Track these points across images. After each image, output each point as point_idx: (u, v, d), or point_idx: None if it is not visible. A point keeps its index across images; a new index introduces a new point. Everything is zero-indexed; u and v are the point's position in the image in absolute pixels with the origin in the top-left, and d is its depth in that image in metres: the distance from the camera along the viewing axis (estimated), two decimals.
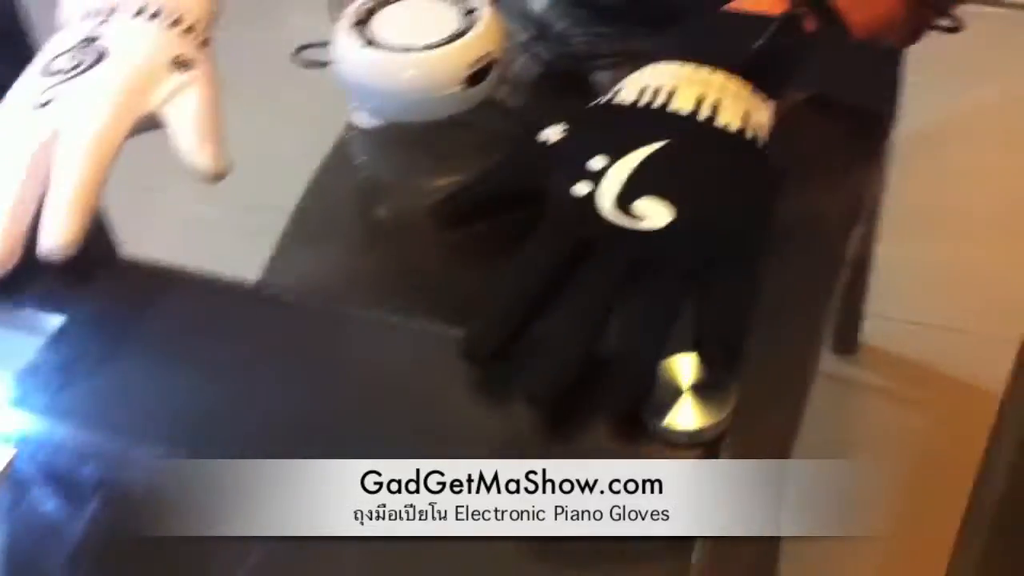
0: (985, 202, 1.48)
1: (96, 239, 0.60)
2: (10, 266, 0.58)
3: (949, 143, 1.53)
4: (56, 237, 0.57)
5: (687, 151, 0.56)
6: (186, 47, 0.65)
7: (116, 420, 0.55)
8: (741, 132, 0.57)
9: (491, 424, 0.53)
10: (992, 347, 1.26)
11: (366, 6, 0.68)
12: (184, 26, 0.66)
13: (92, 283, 0.61)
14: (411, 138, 0.70)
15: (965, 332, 1.31)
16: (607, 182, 0.55)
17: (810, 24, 0.60)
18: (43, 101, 0.61)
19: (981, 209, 1.47)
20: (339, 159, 0.88)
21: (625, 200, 0.54)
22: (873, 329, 1.30)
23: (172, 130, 0.63)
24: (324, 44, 0.72)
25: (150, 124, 0.63)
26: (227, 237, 0.95)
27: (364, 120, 0.68)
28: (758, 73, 0.58)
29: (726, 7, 0.63)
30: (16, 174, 0.59)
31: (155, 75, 0.63)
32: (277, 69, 0.81)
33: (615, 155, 0.56)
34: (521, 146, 0.60)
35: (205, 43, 0.68)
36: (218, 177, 0.62)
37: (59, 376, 0.56)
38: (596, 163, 0.56)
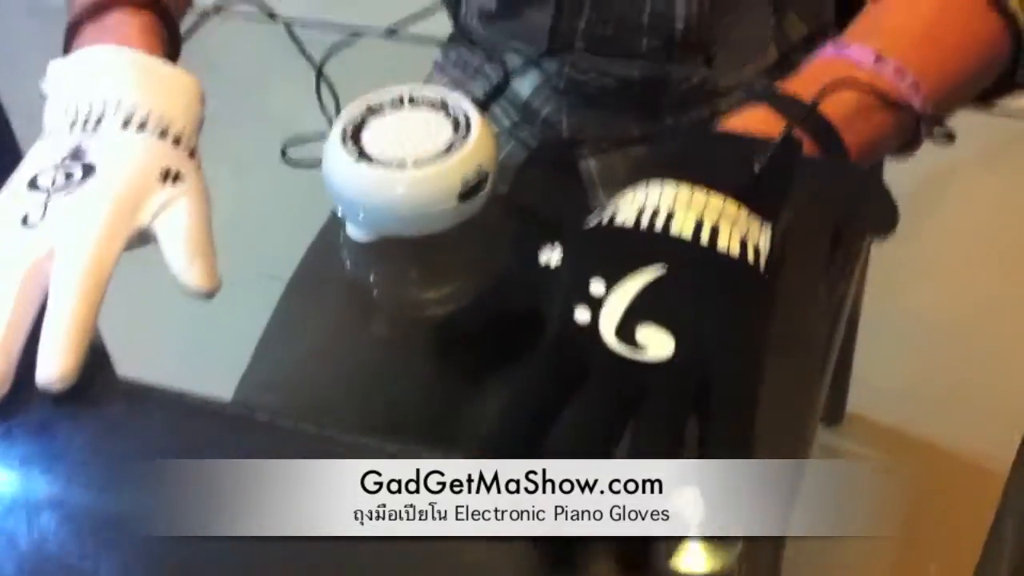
0: (972, 264, 1.48)
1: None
2: (3, 392, 0.57)
3: (929, 206, 1.54)
4: (57, 368, 0.56)
5: (688, 278, 0.55)
6: (174, 159, 0.64)
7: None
8: (742, 257, 0.56)
9: (492, 555, 0.52)
10: (979, 414, 1.27)
11: (356, 118, 0.68)
12: (172, 137, 0.65)
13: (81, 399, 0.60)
14: (397, 252, 0.69)
15: (952, 399, 1.31)
16: (608, 309, 0.55)
17: (808, 146, 0.60)
18: (32, 218, 0.60)
19: (969, 270, 1.47)
20: (321, 254, 0.87)
21: (626, 329, 0.54)
22: (858, 397, 1.30)
23: (163, 246, 0.62)
24: (315, 139, 0.73)
25: (141, 239, 0.62)
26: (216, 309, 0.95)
27: (354, 232, 0.67)
28: (757, 195, 0.58)
29: (721, 127, 0.62)
30: (7, 296, 0.58)
31: (145, 189, 0.62)
32: (264, 155, 0.81)
33: (615, 281, 0.55)
34: (519, 268, 0.59)
35: (192, 153, 0.67)
36: (209, 295, 0.61)
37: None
38: (596, 288, 0.55)
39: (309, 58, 0.85)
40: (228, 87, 0.80)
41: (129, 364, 0.64)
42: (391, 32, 0.93)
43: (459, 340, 0.59)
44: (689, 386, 0.53)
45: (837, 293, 0.73)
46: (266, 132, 0.88)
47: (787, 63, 0.92)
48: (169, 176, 0.63)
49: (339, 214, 0.68)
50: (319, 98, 0.79)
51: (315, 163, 0.70)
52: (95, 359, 0.60)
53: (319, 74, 0.83)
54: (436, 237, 0.67)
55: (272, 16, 0.85)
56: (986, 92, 0.73)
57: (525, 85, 0.95)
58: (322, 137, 0.78)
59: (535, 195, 0.94)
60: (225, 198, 0.69)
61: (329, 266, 0.79)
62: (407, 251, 0.69)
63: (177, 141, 0.65)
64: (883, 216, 0.59)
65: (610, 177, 0.94)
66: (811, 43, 0.93)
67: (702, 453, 0.52)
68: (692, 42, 0.88)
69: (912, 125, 0.65)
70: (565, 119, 0.94)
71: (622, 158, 0.94)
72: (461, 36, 1.00)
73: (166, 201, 0.62)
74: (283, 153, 0.79)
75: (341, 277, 0.76)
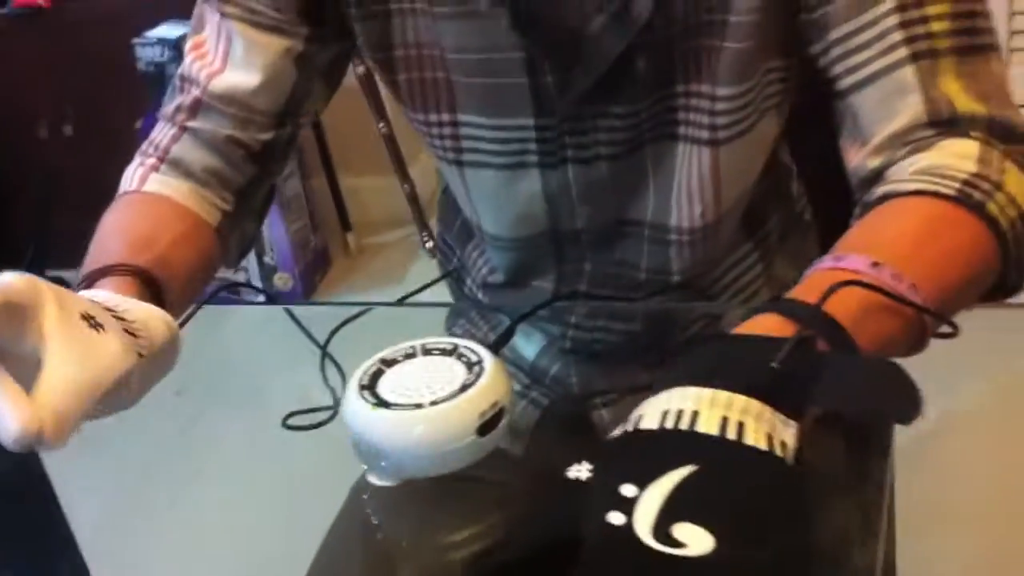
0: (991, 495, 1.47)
1: None
2: None
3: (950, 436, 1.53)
4: None
5: (720, 474, 0.55)
6: (106, 319, 0.61)
7: None
8: (770, 452, 0.56)
9: None
10: None
11: (372, 369, 0.69)
12: (127, 324, 0.64)
13: None
14: (423, 496, 0.69)
15: None
16: (641, 509, 0.54)
17: (821, 344, 0.61)
18: None
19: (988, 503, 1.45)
20: (348, 521, 0.86)
21: (662, 527, 0.53)
22: None
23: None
24: (313, 410, 0.76)
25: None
26: None
27: (378, 480, 0.67)
28: (777, 394, 0.58)
29: (734, 331, 0.63)
30: None
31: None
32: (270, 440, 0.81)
33: (646, 481, 0.55)
34: (549, 488, 0.58)
35: (133, 333, 0.64)
36: (19, 441, 0.54)
37: None
38: (627, 491, 0.54)
39: (311, 337, 0.87)
40: (231, 370, 0.82)
41: None
42: (399, 302, 0.96)
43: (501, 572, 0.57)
44: None
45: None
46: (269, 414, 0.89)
47: None
48: (89, 319, 0.59)
49: (361, 463, 0.68)
50: (324, 374, 0.82)
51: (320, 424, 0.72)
52: None
53: (324, 352, 0.85)
54: (454, 480, 0.67)
55: (272, 300, 0.89)
56: (988, 295, 0.75)
57: (530, 348, 0.97)
58: (327, 408, 0.79)
59: (552, 452, 0.93)
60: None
61: (357, 525, 0.79)
62: (429, 496, 0.69)
63: (129, 330, 0.63)
64: (905, 401, 0.59)
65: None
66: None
67: None
68: (688, 290, 0.91)
69: (917, 324, 0.66)
70: (574, 375, 0.95)
71: (634, 405, 0.95)
72: (466, 307, 1.03)
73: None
74: (284, 421, 0.80)
75: (367, 534, 0.75)
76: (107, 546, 0.84)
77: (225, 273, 0.94)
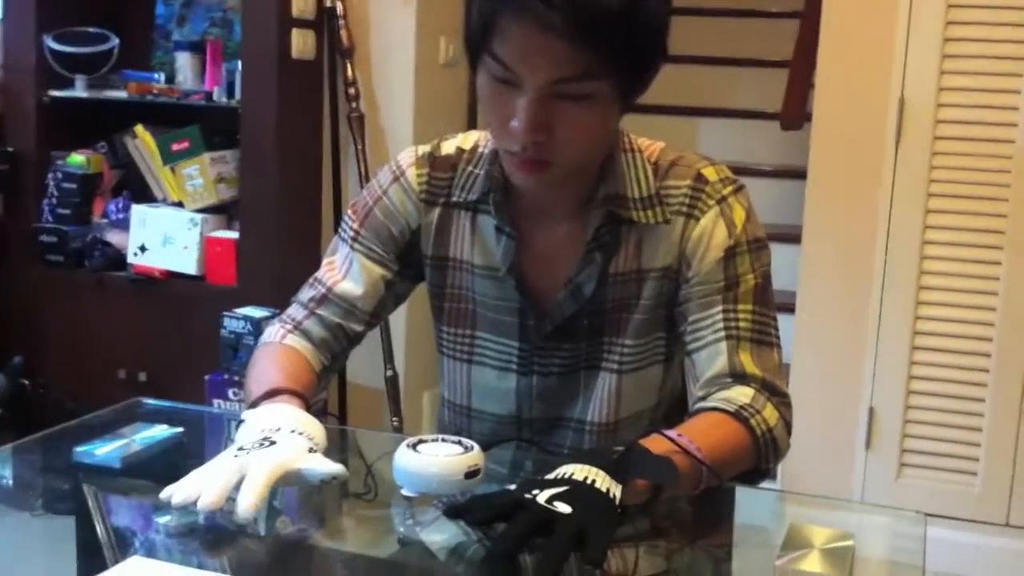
0: None
1: None
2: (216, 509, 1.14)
3: None
4: (246, 506, 1.14)
5: (578, 492, 1.15)
6: (311, 443, 1.25)
7: None
8: (606, 492, 1.16)
9: None
10: None
11: (414, 441, 1.29)
12: (308, 437, 1.26)
13: None
14: None
15: None
16: (542, 495, 1.13)
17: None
18: (237, 455, 1.21)
19: None
20: None
21: (549, 502, 1.12)
22: None
23: (305, 469, 1.21)
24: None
25: (293, 479, 1.21)
26: None
27: (406, 492, 1.26)
28: (611, 470, 1.18)
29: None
30: (222, 470, 1.17)
31: (299, 454, 1.22)
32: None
33: (543, 489, 1.14)
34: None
35: (317, 444, 1.27)
36: (336, 477, 1.21)
37: None
38: (533, 491, 1.14)
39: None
40: None
41: None
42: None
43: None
44: (575, 528, 1.10)
45: None
46: None
47: None
48: (311, 450, 1.24)
49: (398, 483, 1.27)
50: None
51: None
52: None
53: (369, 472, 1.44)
54: None
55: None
56: (750, 477, 1.37)
57: None
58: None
59: None
60: None
61: None
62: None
63: (311, 439, 1.26)
64: (667, 476, 1.22)
65: None
66: None
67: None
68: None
69: (697, 470, 1.27)
70: None
71: None
72: None
73: (307, 456, 1.22)
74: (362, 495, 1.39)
75: None
76: None
77: None
